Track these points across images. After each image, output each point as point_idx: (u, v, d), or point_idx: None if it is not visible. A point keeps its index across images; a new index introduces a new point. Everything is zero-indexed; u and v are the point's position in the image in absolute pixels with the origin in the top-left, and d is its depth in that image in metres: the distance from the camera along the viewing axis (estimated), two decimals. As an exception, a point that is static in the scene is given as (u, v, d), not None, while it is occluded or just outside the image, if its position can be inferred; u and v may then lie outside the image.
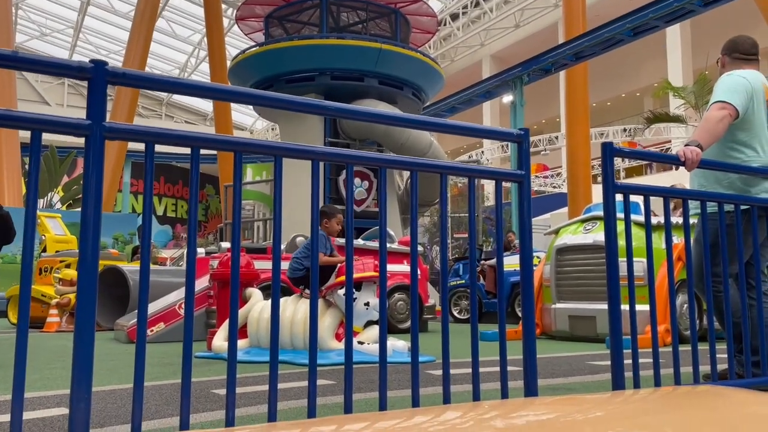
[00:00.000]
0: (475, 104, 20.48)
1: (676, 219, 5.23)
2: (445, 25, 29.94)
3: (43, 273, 9.71)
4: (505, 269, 7.08)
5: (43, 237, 11.14)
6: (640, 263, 5.05)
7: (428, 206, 15.94)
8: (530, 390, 2.07)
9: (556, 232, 6.96)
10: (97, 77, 1.58)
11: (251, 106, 22.64)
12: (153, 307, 6.43)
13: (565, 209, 17.13)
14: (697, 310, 3.07)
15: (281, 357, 4.01)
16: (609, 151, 2.54)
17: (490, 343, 4.36)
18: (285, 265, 5.08)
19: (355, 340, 2.53)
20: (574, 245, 6.38)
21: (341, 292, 4.55)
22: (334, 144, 12.57)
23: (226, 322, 4.97)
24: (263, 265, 6.31)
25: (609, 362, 2.45)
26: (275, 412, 1.75)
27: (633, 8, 14.48)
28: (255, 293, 5.16)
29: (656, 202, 2.87)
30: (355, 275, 3.91)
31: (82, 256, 1.53)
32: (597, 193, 14.24)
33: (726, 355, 2.82)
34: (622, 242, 2.60)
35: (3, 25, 15.56)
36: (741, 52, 3.32)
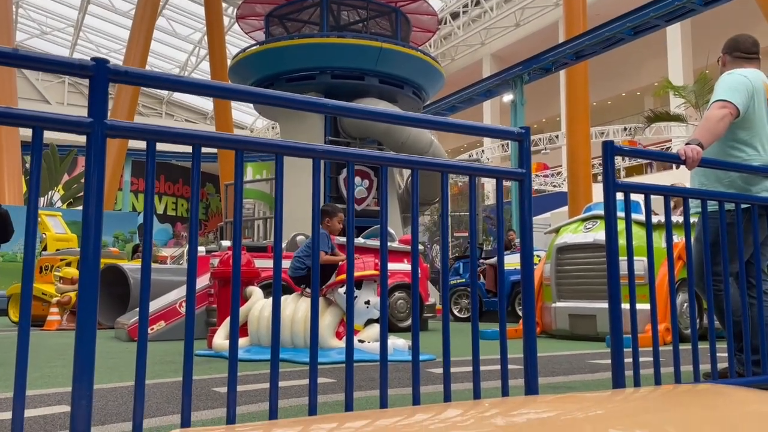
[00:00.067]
0: (475, 103, 20.47)
1: (677, 218, 5.23)
2: (445, 23, 29.91)
3: (43, 271, 9.72)
4: (505, 268, 7.08)
5: (44, 235, 11.14)
6: (640, 262, 5.06)
7: (428, 205, 15.94)
8: (531, 388, 2.07)
9: (557, 231, 6.96)
10: (98, 75, 1.58)
11: (251, 105, 22.65)
12: (153, 306, 6.43)
13: (565, 208, 17.13)
14: (697, 309, 3.08)
15: (282, 355, 4.01)
16: (610, 149, 2.54)
17: (491, 342, 4.36)
18: (285, 264, 5.08)
19: (355, 339, 2.53)
20: (574, 244, 6.39)
21: (342, 290, 4.55)
22: (334, 143, 12.57)
23: (227, 321, 4.98)
24: (263, 263, 6.32)
25: (609, 361, 2.45)
26: (276, 410, 1.75)
27: (633, 7, 14.47)
28: (255, 292, 5.16)
29: (657, 201, 2.87)
30: (356, 274, 3.92)
31: (83, 254, 1.53)
32: (597, 192, 14.24)
33: (726, 354, 2.83)
34: (622, 241, 2.60)
35: (3, 24, 15.55)
36: (742, 51, 3.32)
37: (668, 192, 2.92)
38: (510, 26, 29.45)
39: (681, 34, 23.36)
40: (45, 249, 10.81)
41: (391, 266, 6.70)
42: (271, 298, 4.67)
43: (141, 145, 1.68)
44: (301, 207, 8.99)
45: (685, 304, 5.78)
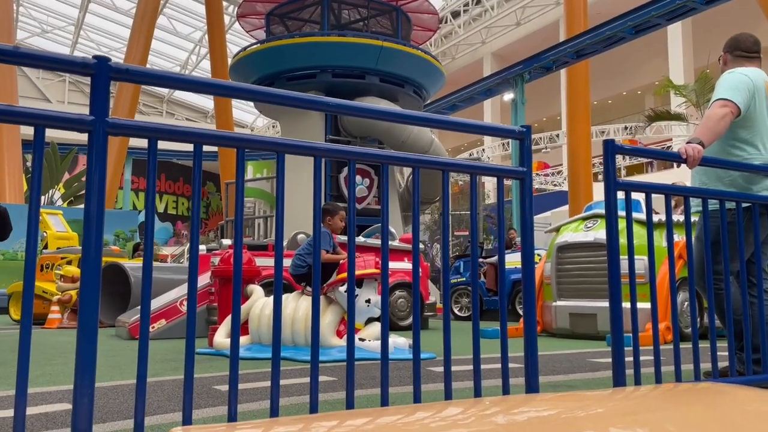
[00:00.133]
0: (476, 102, 20.46)
1: (678, 217, 5.23)
2: (446, 22, 29.90)
3: (44, 269, 9.73)
4: (506, 267, 7.07)
5: (45, 234, 11.15)
6: (641, 261, 5.06)
7: (429, 204, 15.94)
8: (531, 387, 2.08)
9: (557, 230, 6.96)
10: (100, 73, 1.58)
11: (252, 103, 22.64)
12: (154, 304, 6.44)
13: (565, 207, 17.13)
14: (697, 308, 3.08)
15: (282, 354, 4.02)
16: (611, 148, 2.54)
17: (491, 341, 4.36)
18: (286, 263, 5.09)
19: (356, 337, 2.54)
20: (575, 243, 6.39)
21: (342, 289, 4.55)
22: (335, 141, 12.57)
23: (228, 319, 4.98)
24: (264, 262, 6.32)
25: (610, 360, 2.46)
26: (277, 408, 1.76)
27: (634, 6, 14.46)
28: (256, 290, 5.17)
29: (657, 200, 2.87)
30: (357, 272, 3.92)
31: (85, 252, 1.53)
32: (598, 191, 14.23)
33: (727, 353, 2.83)
34: (623, 240, 2.60)
35: (4, 22, 15.55)
36: (743, 50, 3.32)
37: (669, 191, 2.92)
38: (511, 25, 29.44)
39: (682, 33, 23.34)
40: (46, 247, 10.82)
41: (392, 265, 6.70)
42: (271, 297, 4.67)
43: (142, 143, 1.69)
44: (302, 206, 9.01)
45: (686, 303, 5.79)
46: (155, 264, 10.18)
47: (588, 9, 16.80)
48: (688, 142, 2.90)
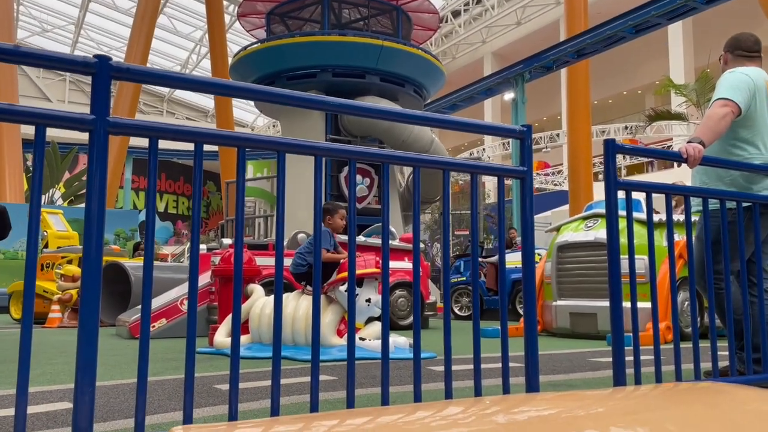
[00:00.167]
0: (476, 101, 20.46)
1: (678, 216, 5.24)
2: (446, 22, 29.88)
3: (45, 269, 9.73)
4: (506, 266, 7.07)
5: (45, 233, 11.15)
6: (641, 260, 5.06)
7: (429, 203, 15.94)
8: (532, 386, 2.08)
9: (558, 229, 6.96)
10: (101, 72, 1.58)
11: (252, 103, 22.64)
12: (155, 303, 6.44)
13: (566, 207, 17.12)
14: (698, 308, 3.08)
15: (282, 353, 4.02)
16: (611, 147, 2.54)
17: (491, 340, 4.36)
18: (287, 262, 5.09)
19: (356, 337, 2.54)
20: (575, 242, 6.39)
21: (343, 288, 4.55)
22: (335, 141, 12.57)
23: (228, 318, 4.98)
24: (265, 261, 6.32)
25: (610, 359, 2.46)
26: (278, 407, 1.76)
27: (635, 5, 14.45)
28: (257, 289, 5.17)
29: (658, 200, 2.87)
30: (357, 272, 3.92)
31: (86, 250, 1.53)
32: (598, 190, 14.23)
33: (727, 352, 2.83)
34: (623, 239, 2.60)
35: (4, 21, 15.56)
36: (744, 50, 3.32)
37: (669, 190, 2.92)
38: (511, 24, 29.43)
39: (682, 32, 23.32)
40: (46, 246, 10.82)
41: (392, 264, 6.70)
42: (272, 296, 4.67)
43: (142, 142, 1.69)
44: (303, 205, 9.01)
45: (686, 303, 5.79)
46: (155, 263, 10.17)
47: (588, 8, 16.80)
48: (688, 142, 2.90)
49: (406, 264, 7.60)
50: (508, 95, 18.23)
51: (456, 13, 30.52)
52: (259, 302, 4.98)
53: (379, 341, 3.82)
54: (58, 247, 10.60)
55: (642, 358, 2.50)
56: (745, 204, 2.98)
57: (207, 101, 36.05)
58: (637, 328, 2.51)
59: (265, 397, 2.79)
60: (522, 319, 5.35)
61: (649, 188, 2.78)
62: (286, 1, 14.13)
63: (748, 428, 0.82)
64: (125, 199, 28.58)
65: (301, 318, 4.69)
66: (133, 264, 8.10)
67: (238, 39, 26.55)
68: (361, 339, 4.52)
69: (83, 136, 1.58)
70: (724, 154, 3.16)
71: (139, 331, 1.67)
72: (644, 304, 4.36)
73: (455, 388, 2.31)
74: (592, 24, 15.70)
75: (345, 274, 4.53)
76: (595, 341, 5.71)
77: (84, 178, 21.08)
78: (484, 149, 29.25)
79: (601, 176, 20.42)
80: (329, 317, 4.65)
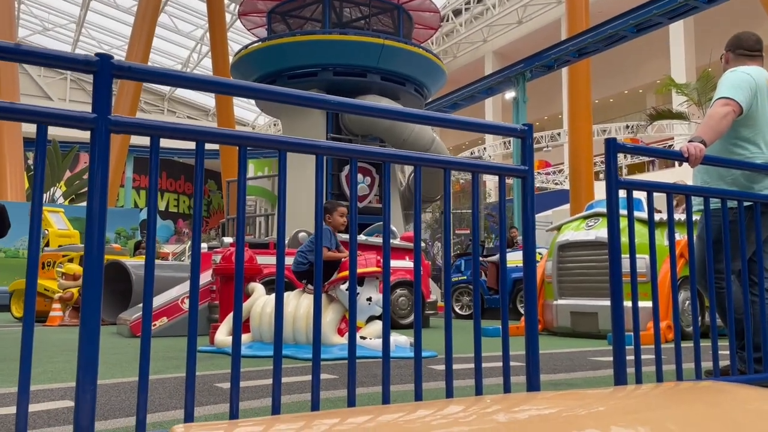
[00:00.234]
0: (477, 100, 20.45)
1: (679, 215, 5.23)
2: (447, 21, 29.87)
3: (46, 267, 9.74)
4: (507, 265, 7.07)
5: (46, 231, 11.16)
6: (642, 260, 5.06)
7: (430, 202, 15.94)
8: (532, 385, 2.08)
9: (559, 228, 6.96)
10: (102, 71, 1.58)
11: (253, 102, 22.64)
12: (156, 302, 6.45)
13: (567, 206, 17.12)
14: (699, 307, 3.08)
15: (283, 352, 4.03)
16: (612, 146, 2.54)
17: (492, 339, 4.36)
18: (288, 261, 5.09)
19: (357, 336, 2.54)
20: (576, 242, 6.39)
21: (344, 287, 4.56)
22: (336, 140, 12.57)
23: (229, 317, 4.99)
24: (266, 260, 6.33)
25: (611, 358, 2.46)
26: (279, 406, 1.76)
27: (636, 4, 14.44)
28: (258, 288, 5.17)
29: (659, 199, 2.87)
30: (358, 270, 3.92)
31: (88, 248, 1.54)
32: (599, 189, 14.23)
33: (728, 352, 2.83)
34: (624, 238, 2.60)
35: (5, 20, 15.56)
36: (745, 49, 3.32)
37: (671, 189, 2.92)
38: (512, 23, 29.41)
39: (684, 31, 23.31)
40: (47, 245, 10.83)
41: (393, 263, 6.70)
42: (272, 295, 4.67)
43: (143, 141, 1.69)
44: (303, 204, 9.01)
45: (687, 302, 5.78)
46: (156, 262, 10.14)
47: (589, 7, 16.79)
48: (690, 141, 2.90)
49: (407, 263, 7.60)
50: (509, 94, 18.22)
51: (457, 12, 30.51)
52: (260, 301, 4.99)
53: (380, 340, 3.82)
54: (59, 246, 10.61)
55: (643, 357, 2.50)
56: (746, 203, 2.98)
57: (208, 100, 36.04)
58: (638, 328, 2.51)
59: (266, 395, 2.79)
60: (523, 318, 5.35)
61: (651, 187, 2.78)
62: (287, 0, 14.12)
63: (749, 427, 0.82)
64: (126, 198, 28.60)
65: (302, 317, 4.69)
66: (134, 263, 8.10)
67: (239, 38, 26.55)
68: (362, 338, 4.52)
69: (84, 135, 1.59)
70: (726, 153, 3.16)
71: (141, 329, 1.67)
72: (645, 304, 4.36)
73: (456, 387, 2.31)
74: (593, 23, 15.69)
75: (346, 272, 4.53)
76: (595, 340, 5.71)
77: (85, 176, 21.08)
78: (485, 148, 29.24)
79: (602, 175, 20.41)
80: (330, 316, 4.66)
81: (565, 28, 19.78)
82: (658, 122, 19.83)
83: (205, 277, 6.46)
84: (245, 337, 4.88)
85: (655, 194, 2.74)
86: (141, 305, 6.06)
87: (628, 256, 2.57)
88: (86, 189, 1.59)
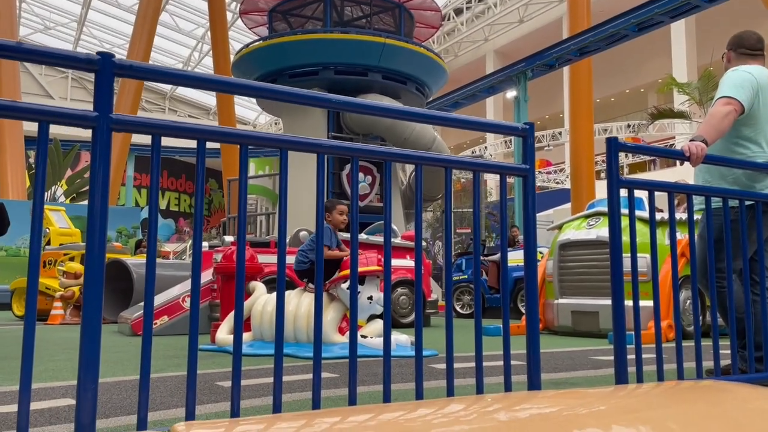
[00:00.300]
0: (478, 99, 20.43)
1: (680, 215, 5.23)
2: (449, 19, 29.84)
3: (47, 266, 9.75)
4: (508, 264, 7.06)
5: (48, 230, 11.17)
6: (643, 259, 5.05)
7: (431, 201, 15.93)
8: (533, 384, 2.08)
9: (560, 227, 6.96)
10: (104, 69, 1.58)
11: (254, 100, 22.62)
12: (157, 300, 6.45)
13: (568, 205, 17.11)
14: (700, 306, 3.08)
15: (284, 350, 4.03)
16: (614, 145, 2.54)
17: (493, 338, 4.37)
18: (289, 259, 5.09)
19: (358, 334, 2.54)
20: (577, 241, 6.38)
21: (345, 286, 4.56)
22: (337, 139, 12.56)
23: (230, 316, 4.99)
24: (266, 258, 6.33)
25: (611, 357, 2.46)
26: (280, 404, 1.76)
27: (638, 3, 14.43)
28: (259, 287, 5.18)
29: (660, 198, 2.86)
30: (359, 269, 3.92)
31: (89, 247, 1.54)
32: (600, 189, 14.23)
33: (729, 351, 2.83)
34: (625, 238, 2.60)
35: (6, 18, 15.57)
36: (747, 48, 3.31)
37: (672, 188, 2.92)
38: (514, 22, 29.38)
39: (685, 30, 23.28)
40: (48, 244, 10.84)
41: (394, 262, 6.70)
42: (273, 294, 4.68)
43: (144, 140, 1.69)
44: (304, 203, 9.01)
45: (688, 301, 5.78)
46: (157, 261, 10.14)
47: (591, 6, 16.76)
48: (691, 140, 2.89)
49: (408, 262, 7.60)
50: (511, 93, 18.21)
51: (458, 11, 30.48)
52: (261, 300, 4.99)
53: (381, 339, 3.82)
54: (61, 244, 10.61)
55: (644, 356, 2.49)
56: (747, 202, 2.97)
57: (209, 99, 36.04)
58: (639, 327, 2.51)
59: (267, 394, 2.79)
60: (524, 317, 5.35)
61: (652, 186, 2.78)
62: (288, -1, 14.12)
63: (749, 427, 0.82)
64: (127, 197, 28.61)
65: (302, 315, 4.69)
66: (135, 261, 8.11)
67: (241, 37, 26.54)
68: (363, 337, 4.52)
69: (85, 134, 1.59)
70: (727, 153, 3.16)
71: (142, 328, 1.67)
72: (646, 303, 4.35)
73: (457, 386, 2.31)
74: (594, 22, 15.67)
75: (347, 271, 4.53)
76: (596, 339, 5.71)
77: (86, 175, 21.11)
78: (485, 147, 29.23)
79: (603, 174, 20.40)
80: (331, 315, 4.66)
81: (566, 27, 19.76)
82: (660, 121, 19.81)
83: (206, 276, 6.47)
84: (246, 336, 4.89)
85: (656, 193, 2.74)
86: (142, 304, 6.06)
87: (629, 255, 2.57)
88: (87, 187, 1.59)
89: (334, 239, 5.04)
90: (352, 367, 1.88)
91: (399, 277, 7.46)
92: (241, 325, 1.79)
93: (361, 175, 12.84)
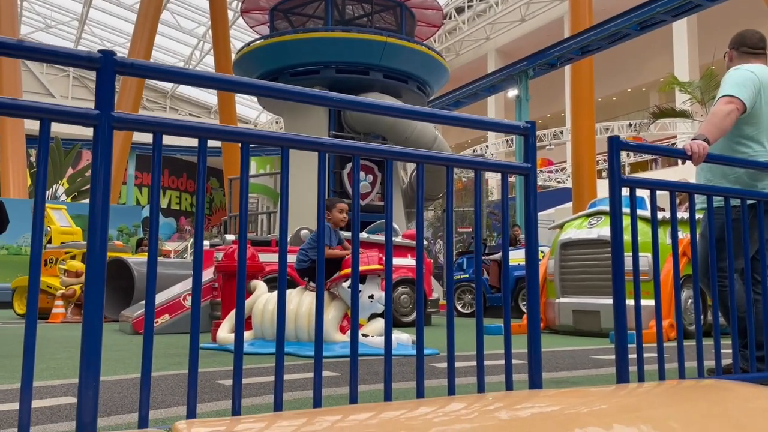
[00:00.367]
0: (480, 98, 20.43)
1: (682, 214, 5.22)
2: (450, 18, 29.82)
3: (48, 264, 9.76)
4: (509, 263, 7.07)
5: (49, 228, 11.18)
6: (645, 258, 5.05)
7: (432, 200, 15.93)
8: (534, 383, 2.08)
9: (561, 226, 6.96)
10: (105, 67, 1.58)
11: (255, 99, 22.63)
12: (158, 299, 6.45)
13: (569, 204, 17.10)
14: (701, 305, 3.08)
15: (285, 349, 4.03)
16: (615, 144, 2.54)
17: (494, 337, 4.37)
18: (290, 258, 5.09)
19: (359, 333, 2.54)
20: (578, 240, 6.38)
21: (346, 284, 4.56)
22: (338, 137, 12.56)
23: (231, 314, 4.99)
24: (268, 257, 6.33)
25: (613, 356, 2.45)
26: (281, 402, 1.76)
27: (639, 2, 14.41)
28: (260, 285, 5.18)
29: (662, 197, 2.86)
30: (360, 268, 3.92)
31: (90, 245, 1.54)
32: (602, 188, 14.22)
33: (730, 350, 2.83)
34: (627, 237, 2.60)
35: (8, 17, 15.58)
36: (749, 46, 3.31)
37: (674, 187, 2.92)
38: (515, 21, 29.35)
39: (687, 29, 23.24)
40: (50, 242, 10.85)
41: (395, 261, 6.70)
42: (274, 292, 4.68)
43: (145, 138, 1.68)
44: (304, 202, 9.01)
45: (690, 300, 5.78)
46: (158, 259, 10.13)
47: (593, 5, 16.75)
48: (693, 139, 2.89)
49: (409, 261, 7.60)
50: (512, 92, 18.21)
51: (460, 10, 30.46)
52: (262, 298, 4.99)
53: (382, 338, 3.82)
54: (62, 243, 10.62)
55: (645, 355, 2.49)
56: (749, 201, 2.97)
57: (210, 98, 36.04)
58: (641, 326, 2.51)
59: (268, 392, 2.79)
60: (525, 317, 5.35)
61: (653, 185, 2.78)
62: (289, -3, 14.12)
63: (751, 426, 0.82)
64: (128, 195, 28.63)
65: (303, 314, 4.69)
66: (136, 260, 8.11)
67: (242, 35, 26.54)
68: (364, 335, 4.52)
69: (86, 133, 1.59)
70: (729, 152, 3.15)
71: (143, 326, 1.67)
72: (648, 302, 4.35)
73: (458, 385, 2.31)
74: (596, 21, 15.65)
75: (348, 270, 4.53)
76: (598, 338, 5.71)
77: (87, 173, 21.13)
78: (487, 146, 29.22)
79: (604, 173, 20.38)
80: (332, 313, 4.66)
81: (568, 25, 19.73)
82: (661, 120, 19.77)
83: (207, 275, 6.47)
84: (247, 335, 4.89)
85: (658, 192, 2.74)
86: (143, 302, 6.07)
87: (630, 254, 2.57)
88: (88, 186, 1.59)
89: (335, 238, 5.04)
90: (353, 365, 1.88)
91: (400, 276, 7.46)
92: (242, 323, 1.79)
93: (362, 174, 12.83)
